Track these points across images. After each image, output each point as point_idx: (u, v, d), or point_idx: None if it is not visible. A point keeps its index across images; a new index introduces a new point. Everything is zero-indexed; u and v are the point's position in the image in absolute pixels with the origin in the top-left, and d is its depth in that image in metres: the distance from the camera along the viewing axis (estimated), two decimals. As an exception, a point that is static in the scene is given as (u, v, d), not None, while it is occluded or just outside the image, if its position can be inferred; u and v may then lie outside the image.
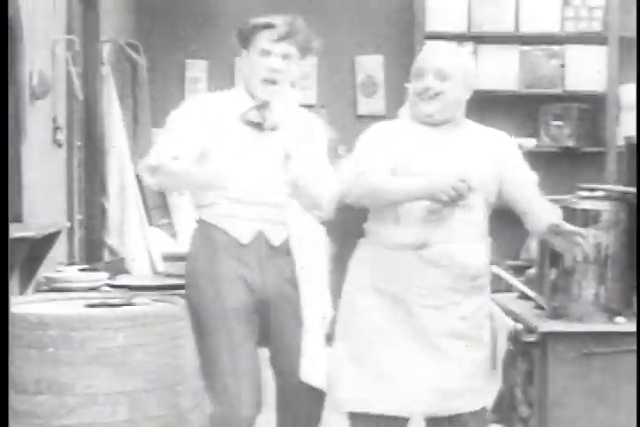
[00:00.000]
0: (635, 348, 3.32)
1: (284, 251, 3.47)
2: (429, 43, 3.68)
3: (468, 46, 6.74)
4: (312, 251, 3.50)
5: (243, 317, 3.39)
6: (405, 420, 3.35)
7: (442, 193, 3.11)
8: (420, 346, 3.30)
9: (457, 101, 3.37)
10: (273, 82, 3.47)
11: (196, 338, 3.36)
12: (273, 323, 3.48)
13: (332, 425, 3.58)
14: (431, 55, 3.39)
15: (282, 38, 3.45)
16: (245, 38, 3.50)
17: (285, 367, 3.47)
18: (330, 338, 3.46)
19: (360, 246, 3.41)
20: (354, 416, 3.39)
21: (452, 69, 3.33)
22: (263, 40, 3.46)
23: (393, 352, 3.30)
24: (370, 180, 3.27)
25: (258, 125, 3.47)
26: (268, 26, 3.46)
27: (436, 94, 3.32)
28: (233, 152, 3.42)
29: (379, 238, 3.37)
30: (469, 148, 3.38)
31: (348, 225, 3.43)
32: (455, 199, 3.12)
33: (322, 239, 3.54)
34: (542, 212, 3.30)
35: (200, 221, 3.48)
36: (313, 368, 3.42)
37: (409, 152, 3.34)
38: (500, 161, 3.40)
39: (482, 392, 3.38)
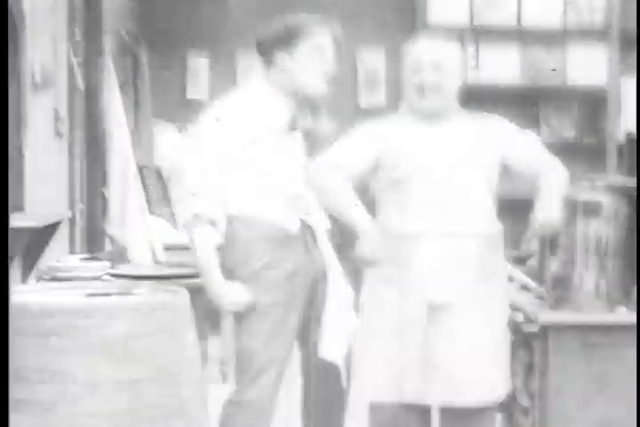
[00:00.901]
0: (635, 338, 3.33)
1: (315, 235, 3.51)
2: (419, 38, 3.68)
3: (470, 41, 6.75)
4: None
5: (297, 308, 3.44)
6: (426, 410, 3.38)
7: (359, 249, 3.28)
8: (437, 335, 3.32)
9: (452, 91, 3.44)
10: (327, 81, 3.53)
11: (239, 323, 3.42)
12: (319, 300, 3.50)
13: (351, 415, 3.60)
14: (425, 49, 3.44)
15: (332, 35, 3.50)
16: (290, 37, 3.47)
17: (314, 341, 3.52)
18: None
19: None
20: (374, 407, 3.42)
21: (446, 60, 3.41)
22: (318, 36, 3.47)
23: (413, 342, 3.32)
24: (330, 181, 3.36)
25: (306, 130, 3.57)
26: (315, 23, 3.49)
27: (435, 86, 3.36)
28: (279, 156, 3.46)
29: (385, 227, 3.40)
30: (465, 135, 3.44)
31: None
32: (363, 262, 3.32)
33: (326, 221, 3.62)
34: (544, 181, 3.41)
35: (235, 218, 3.48)
36: (331, 344, 3.45)
37: (404, 145, 3.38)
38: (499, 141, 3.47)
39: (498, 384, 3.41)
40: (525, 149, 3.52)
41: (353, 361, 3.44)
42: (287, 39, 3.46)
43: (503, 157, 3.46)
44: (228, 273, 3.45)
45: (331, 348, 3.46)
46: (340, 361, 3.46)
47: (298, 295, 3.45)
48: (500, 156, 3.45)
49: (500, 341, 3.42)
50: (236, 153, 3.40)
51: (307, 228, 3.49)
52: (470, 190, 3.40)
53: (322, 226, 3.52)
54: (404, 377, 3.34)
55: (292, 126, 3.51)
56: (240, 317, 3.44)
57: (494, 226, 3.45)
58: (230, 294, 3.38)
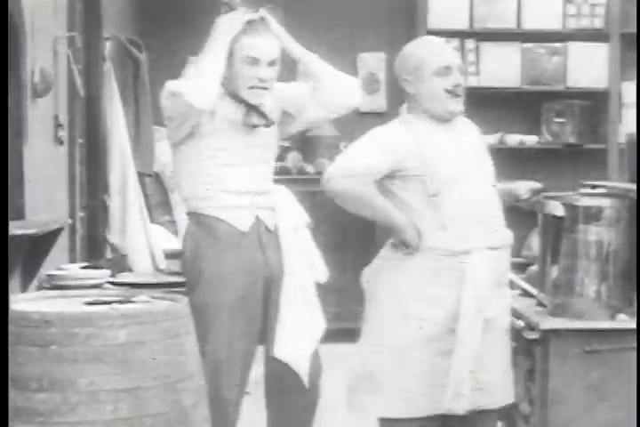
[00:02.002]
0: (636, 345, 3.33)
1: (277, 234, 3.57)
2: (427, 38, 3.67)
3: (470, 43, 6.75)
4: (298, 230, 3.60)
5: (247, 308, 3.49)
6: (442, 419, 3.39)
7: (405, 237, 3.30)
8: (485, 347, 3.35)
9: None
10: (263, 88, 3.52)
11: (198, 324, 3.41)
12: (273, 302, 3.55)
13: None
14: (449, 51, 3.44)
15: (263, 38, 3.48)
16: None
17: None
18: (356, 334, 3.51)
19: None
20: (385, 421, 3.42)
21: (462, 64, 3.46)
22: (247, 46, 3.48)
23: (445, 357, 3.33)
24: (358, 186, 3.33)
25: (256, 126, 3.55)
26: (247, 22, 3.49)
27: (462, 90, 3.40)
28: (231, 150, 3.52)
29: (426, 244, 3.36)
30: (471, 138, 3.47)
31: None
32: (408, 248, 3.32)
33: (303, 218, 3.67)
34: None
35: (193, 214, 3.53)
36: (286, 344, 3.47)
37: (423, 150, 3.36)
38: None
39: (508, 388, 3.45)
40: None
41: (382, 378, 3.40)
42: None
43: None
44: (183, 269, 3.55)
45: (285, 348, 3.49)
46: (296, 363, 3.50)
47: (250, 295, 3.48)
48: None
49: (510, 346, 3.49)
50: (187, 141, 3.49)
51: (262, 225, 3.53)
52: (496, 198, 3.43)
53: (288, 223, 3.55)
54: (449, 391, 3.31)
55: (248, 122, 3.52)
56: (197, 318, 3.46)
57: (510, 234, 3.49)
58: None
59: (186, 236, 3.59)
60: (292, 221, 3.58)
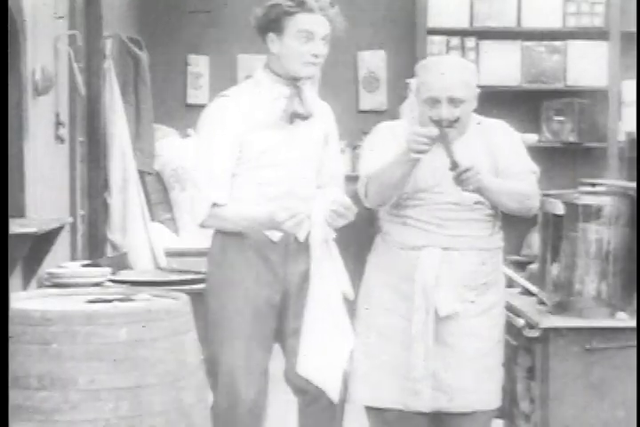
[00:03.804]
0: (636, 343, 3.33)
1: (307, 245, 3.45)
2: (431, 60, 3.61)
3: (470, 42, 6.75)
4: (328, 242, 3.47)
5: (262, 317, 3.43)
6: (421, 415, 3.38)
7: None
8: (433, 343, 3.33)
9: (469, 115, 3.39)
10: (314, 64, 3.45)
11: (210, 330, 3.41)
12: (290, 316, 3.48)
13: (350, 418, 3.60)
14: (442, 82, 3.32)
15: (320, 18, 3.40)
16: (276, 20, 3.41)
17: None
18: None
19: (376, 244, 3.46)
20: (370, 410, 3.46)
21: (464, 93, 3.32)
22: (302, 21, 3.39)
23: (406, 349, 3.34)
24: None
25: (299, 116, 3.45)
26: (302, 4, 3.39)
27: (454, 121, 3.32)
28: (272, 148, 3.42)
29: (390, 237, 3.41)
30: (466, 145, 3.39)
31: (360, 220, 3.47)
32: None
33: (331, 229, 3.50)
34: None
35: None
36: (310, 362, 3.43)
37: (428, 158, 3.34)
38: (495, 152, 3.42)
39: (492, 391, 3.42)
40: (509, 158, 3.45)
41: (352, 367, 3.43)
42: (275, 20, 3.42)
43: (496, 169, 3.42)
44: (207, 270, 3.49)
45: (308, 365, 3.41)
46: (319, 381, 3.40)
47: (266, 305, 3.43)
48: (495, 169, 3.42)
49: (497, 350, 3.45)
50: (233, 145, 3.39)
51: (292, 236, 3.41)
52: (467, 203, 3.39)
53: (319, 235, 3.42)
54: (409, 386, 3.34)
55: (288, 120, 3.44)
56: (208, 322, 3.45)
57: (493, 233, 3.45)
58: (287, 219, 3.29)
59: (215, 236, 3.50)
60: (323, 233, 3.43)
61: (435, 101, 3.31)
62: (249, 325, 3.42)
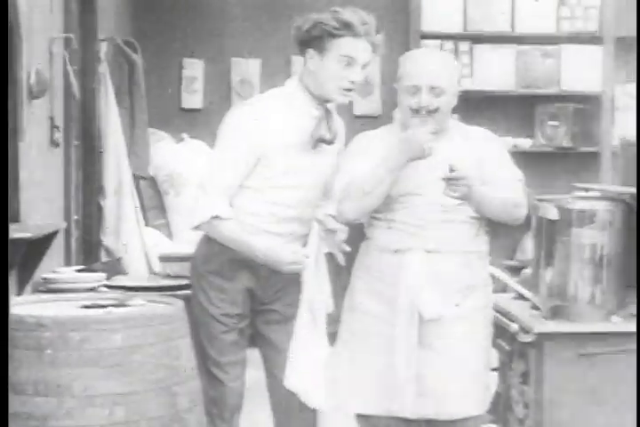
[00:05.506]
0: (633, 348, 3.33)
1: None
2: (414, 52, 3.62)
3: (464, 46, 6.76)
4: (318, 262, 3.48)
5: (239, 324, 3.48)
6: (409, 421, 3.37)
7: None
8: (417, 347, 3.32)
9: (449, 111, 3.38)
10: (350, 90, 3.39)
11: (194, 330, 3.43)
12: (269, 326, 3.52)
13: (336, 424, 3.60)
14: (423, 70, 3.32)
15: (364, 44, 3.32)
16: (319, 39, 3.31)
17: (278, 370, 3.50)
18: (333, 337, 3.50)
19: (360, 250, 3.46)
20: (359, 415, 3.44)
21: (445, 83, 3.32)
22: (346, 46, 3.31)
23: (389, 354, 3.32)
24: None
25: (324, 141, 3.40)
26: (348, 27, 3.29)
27: (433, 111, 3.31)
28: (295, 170, 3.38)
29: (374, 242, 3.40)
30: (451, 150, 3.37)
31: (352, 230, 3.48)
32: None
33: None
34: None
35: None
36: (297, 375, 3.43)
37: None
38: (480, 160, 3.39)
39: (478, 396, 3.41)
40: (495, 166, 3.42)
41: (336, 373, 3.43)
42: (318, 39, 3.32)
43: (482, 179, 3.37)
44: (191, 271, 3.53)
45: (296, 380, 3.42)
46: (306, 392, 3.42)
47: (243, 314, 3.47)
48: (481, 177, 3.37)
49: (483, 355, 3.42)
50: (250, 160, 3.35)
51: None
52: (451, 207, 3.38)
53: (313, 257, 3.41)
54: (392, 391, 3.33)
55: (313, 145, 3.38)
56: (198, 322, 3.47)
57: (478, 239, 3.43)
58: (286, 256, 3.32)
59: (201, 244, 3.51)
60: (316, 253, 3.44)
61: (416, 90, 3.30)
62: (227, 330, 3.47)
